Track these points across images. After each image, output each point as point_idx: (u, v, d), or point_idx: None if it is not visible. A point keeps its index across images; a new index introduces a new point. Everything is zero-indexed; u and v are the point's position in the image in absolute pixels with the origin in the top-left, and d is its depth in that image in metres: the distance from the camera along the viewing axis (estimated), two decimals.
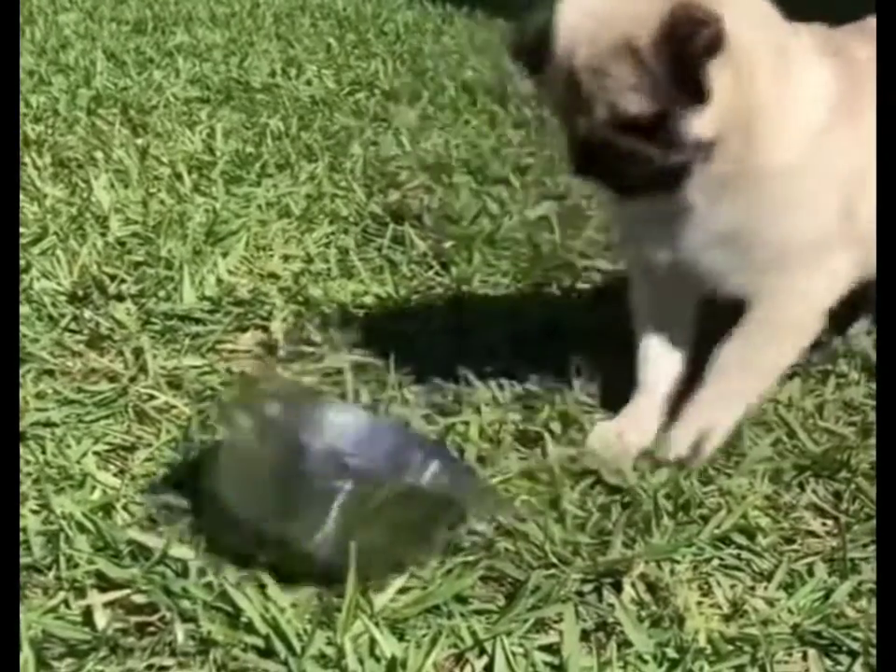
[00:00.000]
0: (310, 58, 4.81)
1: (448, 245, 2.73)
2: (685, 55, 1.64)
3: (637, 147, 1.71)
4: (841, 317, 2.06)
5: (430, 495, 1.60)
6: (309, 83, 4.40)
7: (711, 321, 1.96)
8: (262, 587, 1.51)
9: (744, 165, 1.76)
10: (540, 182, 3.20)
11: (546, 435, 1.92)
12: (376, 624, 1.46)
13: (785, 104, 1.77)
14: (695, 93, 1.66)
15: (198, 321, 2.36)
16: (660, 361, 1.98)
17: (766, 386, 1.94)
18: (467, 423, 1.94)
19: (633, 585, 1.57)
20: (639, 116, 1.68)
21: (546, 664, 1.44)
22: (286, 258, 2.70)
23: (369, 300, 2.48)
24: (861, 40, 1.93)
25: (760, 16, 1.77)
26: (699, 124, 1.69)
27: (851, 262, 1.87)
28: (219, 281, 2.52)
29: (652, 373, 1.98)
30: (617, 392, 2.00)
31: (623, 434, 1.91)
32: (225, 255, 2.66)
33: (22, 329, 2.26)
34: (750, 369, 1.91)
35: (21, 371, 2.09)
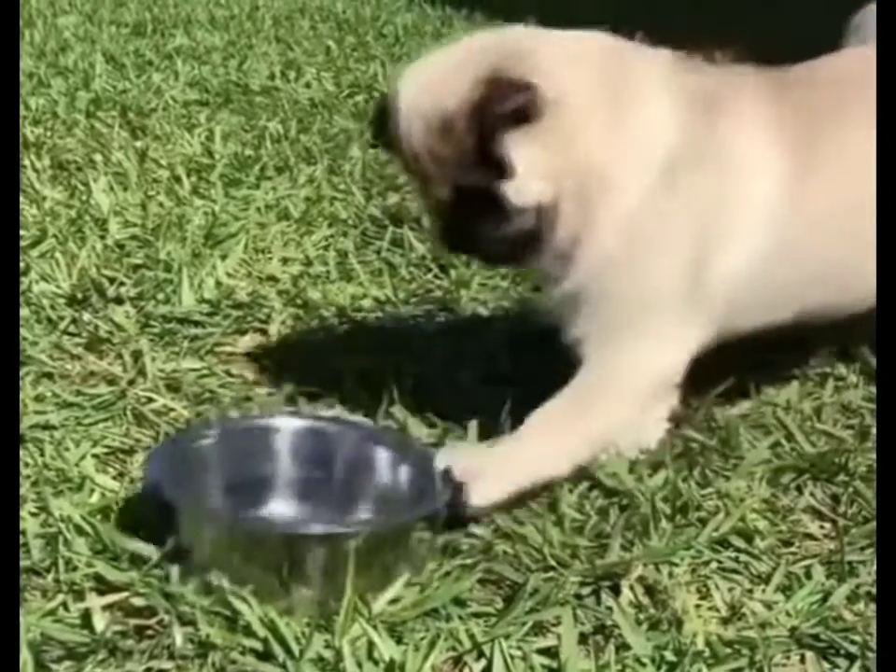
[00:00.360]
0: (309, 60, 4.82)
1: None
2: (489, 127, 1.65)
3: (477, 220, 1.72)
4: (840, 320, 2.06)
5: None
6: (308, 86, 4.40)
7: None
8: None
9: (586, 225, 1.74)
10: None
11: None
12: (374, 627, 1.46)
13: (618, 161, 1.73)
14: (505, 163, 1.67)
15: (197, 324, 2.36)
16: None
17: (590, 449, 1.78)
18: (465, 426, 1.94)
19: (631, 588, 1.57)
20: (470, 190, 1.69)
21: (544, 667, 1.44)
22: (284, 260, 2.70)
23: (367, 302, 2.48)
24: (758, 83, 1.88)
25: (593, 73, 1.75)
26: (524, 192, 1.69)
27: (699, 326, 1.80)
28: (218, 284, 2.53)
29: None
30: None
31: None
32: (224, 257, 2.66)
33: (21, 331, 2.26)
34: (573, 428, 1.77)
35: (21, 373, 2.09)
